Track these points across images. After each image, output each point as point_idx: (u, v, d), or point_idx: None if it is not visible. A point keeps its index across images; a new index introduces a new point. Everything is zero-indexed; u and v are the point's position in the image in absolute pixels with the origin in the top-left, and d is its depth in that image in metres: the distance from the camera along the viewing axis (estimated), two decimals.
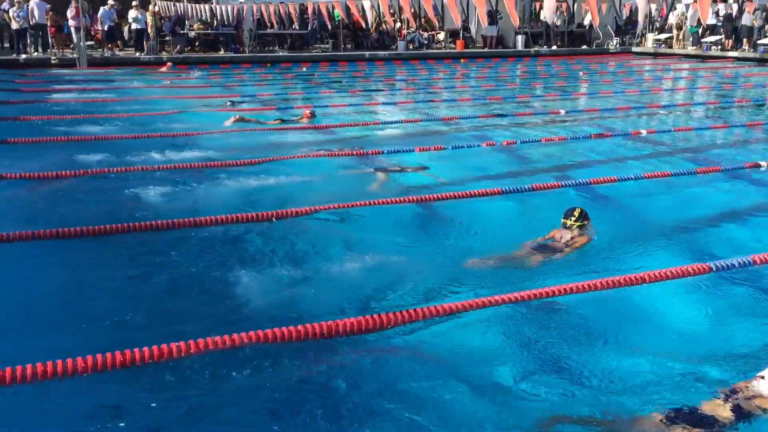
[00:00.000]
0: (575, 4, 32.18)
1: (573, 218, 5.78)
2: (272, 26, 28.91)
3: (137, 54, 25.18)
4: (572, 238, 5.72)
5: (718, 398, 3.43)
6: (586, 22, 32.03)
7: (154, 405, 3.69)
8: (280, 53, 27.82)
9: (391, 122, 12.57)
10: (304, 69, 24.09)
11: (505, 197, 7.37)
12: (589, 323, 4.72)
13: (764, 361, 3.95)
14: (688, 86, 20.27)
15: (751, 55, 26.48)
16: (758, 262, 5.42)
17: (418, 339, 4.37)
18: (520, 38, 30.58)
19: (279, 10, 27.99)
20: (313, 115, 12.39)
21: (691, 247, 6.12)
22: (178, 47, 26.34)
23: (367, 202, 6.91)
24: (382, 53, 28.71)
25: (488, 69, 25.12)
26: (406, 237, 6.44)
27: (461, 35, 30.98)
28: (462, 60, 28.28)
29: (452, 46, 31.20)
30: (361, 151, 9.63)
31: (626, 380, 3.91)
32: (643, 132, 11.30)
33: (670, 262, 5.51)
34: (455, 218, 6.89)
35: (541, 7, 31.36)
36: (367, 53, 28.48)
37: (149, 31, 25.15)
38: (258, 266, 5.48)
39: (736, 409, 3.30)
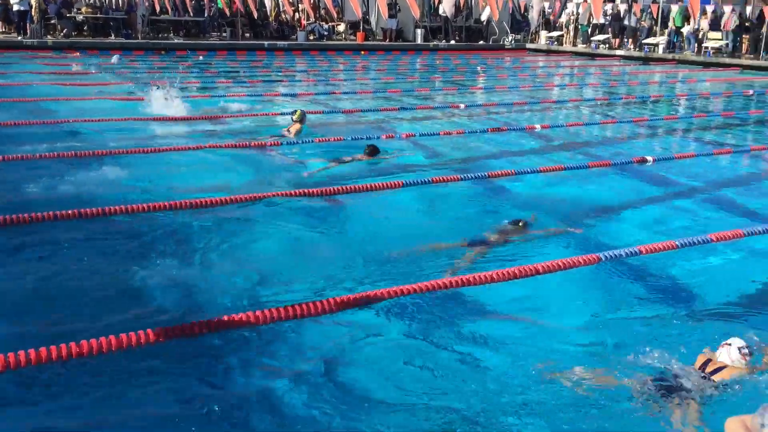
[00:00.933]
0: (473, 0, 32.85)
1: (520, 225, 6.16)
2: (167, 12, 27.86)
3: (19, 37, 23.63)
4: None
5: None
6: (483, 17, 32.78)
7: (37, 407, 3.52)
8: (175, 40, 26.85)
9: (292, 113, 12.34)
10: (201, 57, 23.36)
11: (405, 190, 7.37)
12: (483, 314, 4.78)
13: (651, 344, 4.13)
14: (578, 83, 21.07)
15: (637, 54, 27.91)
16: (644, 251, 5.65)
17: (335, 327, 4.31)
18: (419, 32, 30.91)
19: None
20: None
21: (583, 238, 6.32)
22: (64, 31, 24.91)
23: (265, 195, 6.75)
24: (281, 43, 28.26)
25: (388, 62, 25.22)
26: (304, 230, 6.35)
27: (361, 27, 30.98)
28: (362, 52, 28.27)
29: (352, 37, 31.15)
30: (262, 143, 9.42)
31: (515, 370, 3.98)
32: (538, 127, 11.63)
33: (562, 253, 5.68)
34: (356, 211, 6.83)
35: (439, 2, 31.79)
36: (266, 43, 27.96)
37: (33, 13, 23.64)
38: (151, 260, 5.24)
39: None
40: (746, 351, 3.88)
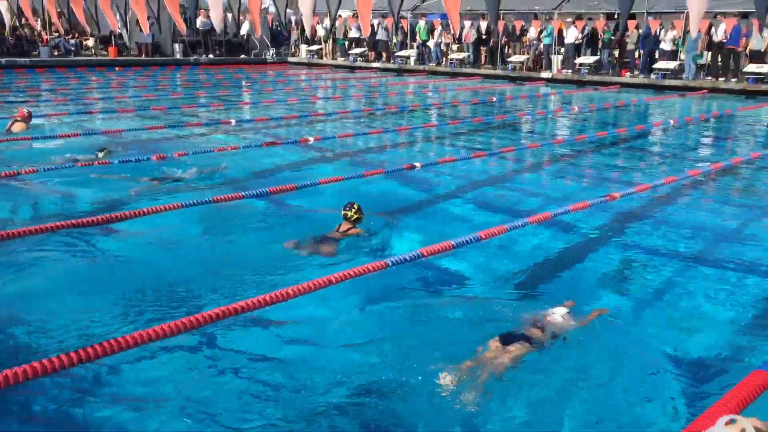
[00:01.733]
0: (232, 14, 32.51)
1: (353, 210, 6.55)
2: None
3: None
4: (348, 229, 6.50)
5: (533, 327, 4.47)
6: (243, 31, 32.64)
7: None
8: None
9: (42, 138, 11.29)
10: None
11: (185, 211, 7.08)
12: (287, 330, 4.78)
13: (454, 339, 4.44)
14: (342, 95, 21.83)
15: (391, 66, 29.58)
16: (425, 254, 6.01)
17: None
18: (177, 46, 29.95)
19: None
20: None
21: (366, 246, 6.55)
22: None
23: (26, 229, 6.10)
24: (21, 60, 25.76)
25: (147, 78, 24.10)
26: (77, 264, 5.86)
27: (113, 42, 29.27)
28: (117, 68, 26.73)
29: (104, 53, 29.32)
30: (12, 172, 8.49)
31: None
32: (311, 139, 11.83)
33: (351, 263, 5.84)
34: (132, 238, 6.45)
35: (197, 15, 31.04)
36: (3, 60, 25.29)
37: None
38: None
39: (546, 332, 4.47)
40: (568, 316, 4.61)
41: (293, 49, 33.79)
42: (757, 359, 4.38)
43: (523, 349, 4.20)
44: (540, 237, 6.94)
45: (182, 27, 27.71)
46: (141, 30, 28.40)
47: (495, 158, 11.25)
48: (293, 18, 32.32)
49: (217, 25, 28.48)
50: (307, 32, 28.20)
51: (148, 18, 28.70)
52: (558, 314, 4.61)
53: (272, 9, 31.74)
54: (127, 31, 30.31)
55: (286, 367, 4.27)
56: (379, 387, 3.98)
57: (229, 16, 32.04)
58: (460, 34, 27.93)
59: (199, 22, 30.47)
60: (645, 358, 4.49)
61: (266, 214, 7.57)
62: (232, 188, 8.22)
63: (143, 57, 29.28)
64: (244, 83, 23.48)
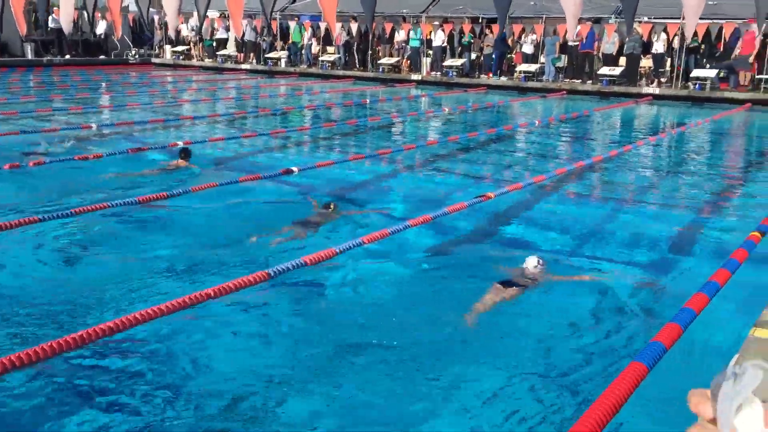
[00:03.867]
0: (87, 13, 30.73)
1: (333, 206, 7.46)
2: None
3: None
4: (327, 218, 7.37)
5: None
6: (100, 31, 30.97)
7: None
8: None
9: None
10: None
11: (43, 225, 6.54)
12: (176, 352, 4.51)
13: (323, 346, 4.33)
14: (212, 97, 21.16)
15: (261, 67, 29.05)
16: (309, 262, 5.87)
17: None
18: (28, 46, 27.94)
19: None
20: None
21: (246, 256, 6.32)
22: None
23: None
24: None
25: None
26: None
27: None
28: None
29: None
30: None
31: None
32: (181, 144, 11.32)
33: (231, 274, 5.61)
34: None
35: (49, 13, 29.11)
36: None
37: None
38: None
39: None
40: (540, 263, 5.40)
41: (157, 50, 32.46)
42: (630, 350, 4.59)
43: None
44: (421, 239, 6.98)
45: (22, 26, 25.87)
46: None
47: (373, 160, 11.27)
48: (156, 18, 31.03)
49: (66, 26, 26.74)
50: (171, 33, 27.16)
51: None
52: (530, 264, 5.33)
53: (133, 8, 30.35)
54: None
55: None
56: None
57: (85, 14, 30.30)
58: (328, 36, 27.90)
59: (52, 20, 28.59)
60: (519, 356, 4.57)
61: (135, 224, 7.15)
62: (95, 199, 7.68)
63: None
64: (104, 85, 22.23)
